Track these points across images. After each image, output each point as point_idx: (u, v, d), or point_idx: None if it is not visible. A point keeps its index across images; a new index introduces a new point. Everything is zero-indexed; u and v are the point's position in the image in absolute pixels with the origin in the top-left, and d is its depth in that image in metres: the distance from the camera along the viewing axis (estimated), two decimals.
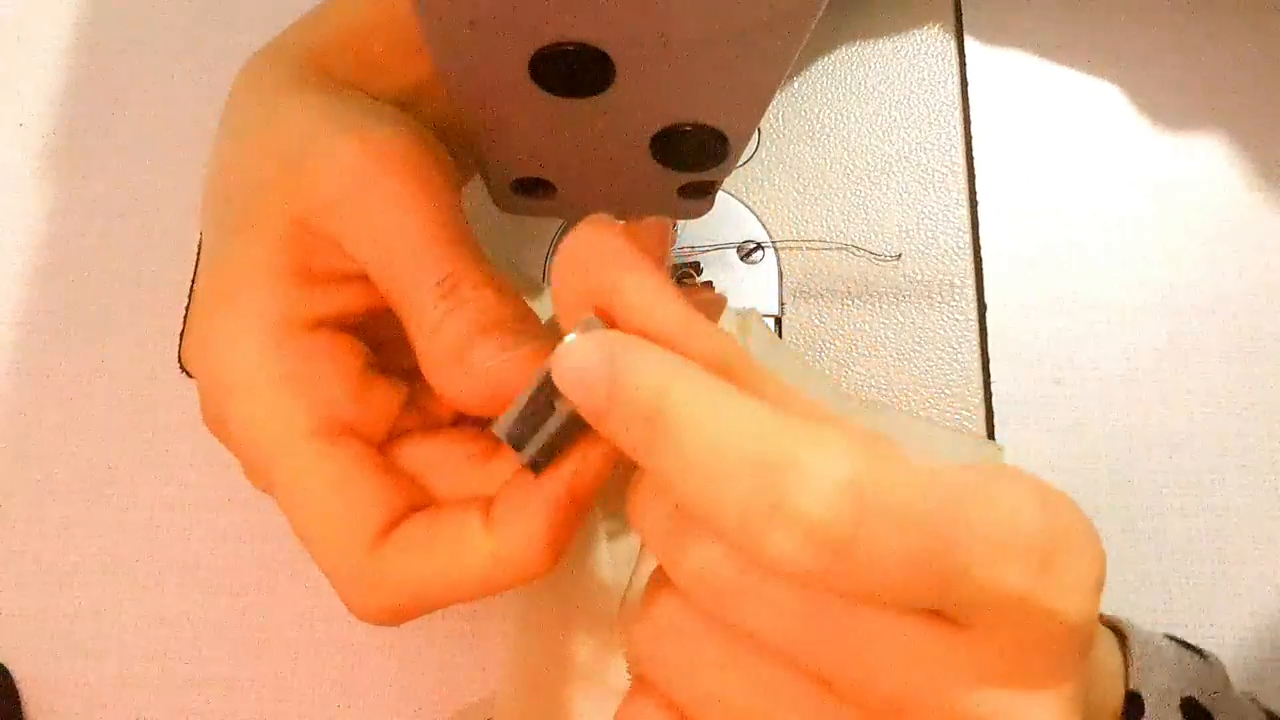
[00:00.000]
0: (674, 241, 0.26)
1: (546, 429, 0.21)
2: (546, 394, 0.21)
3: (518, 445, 0.22)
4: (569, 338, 0.20)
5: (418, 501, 0.25)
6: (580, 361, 0.19)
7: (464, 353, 0.23)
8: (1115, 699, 0.25)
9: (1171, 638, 0.28)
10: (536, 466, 0.22)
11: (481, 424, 0.27)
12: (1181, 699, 0.26)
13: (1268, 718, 0.28)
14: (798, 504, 0.17)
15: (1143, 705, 0.25)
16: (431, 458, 0.25)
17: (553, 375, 0.20)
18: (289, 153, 0.24)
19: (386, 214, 0.23)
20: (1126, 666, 0.26)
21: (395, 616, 0.24)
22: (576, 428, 0.22)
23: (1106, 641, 0.26)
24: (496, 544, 0.23)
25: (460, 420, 0.27)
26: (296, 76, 0.26)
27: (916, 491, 0.17)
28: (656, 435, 0.18)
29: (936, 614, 0.18)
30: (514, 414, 0.21)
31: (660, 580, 0.21)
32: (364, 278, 0.24)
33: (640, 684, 0.22)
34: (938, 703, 0.18)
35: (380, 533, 0.23)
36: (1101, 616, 0.28)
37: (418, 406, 0.26)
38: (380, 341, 0.26)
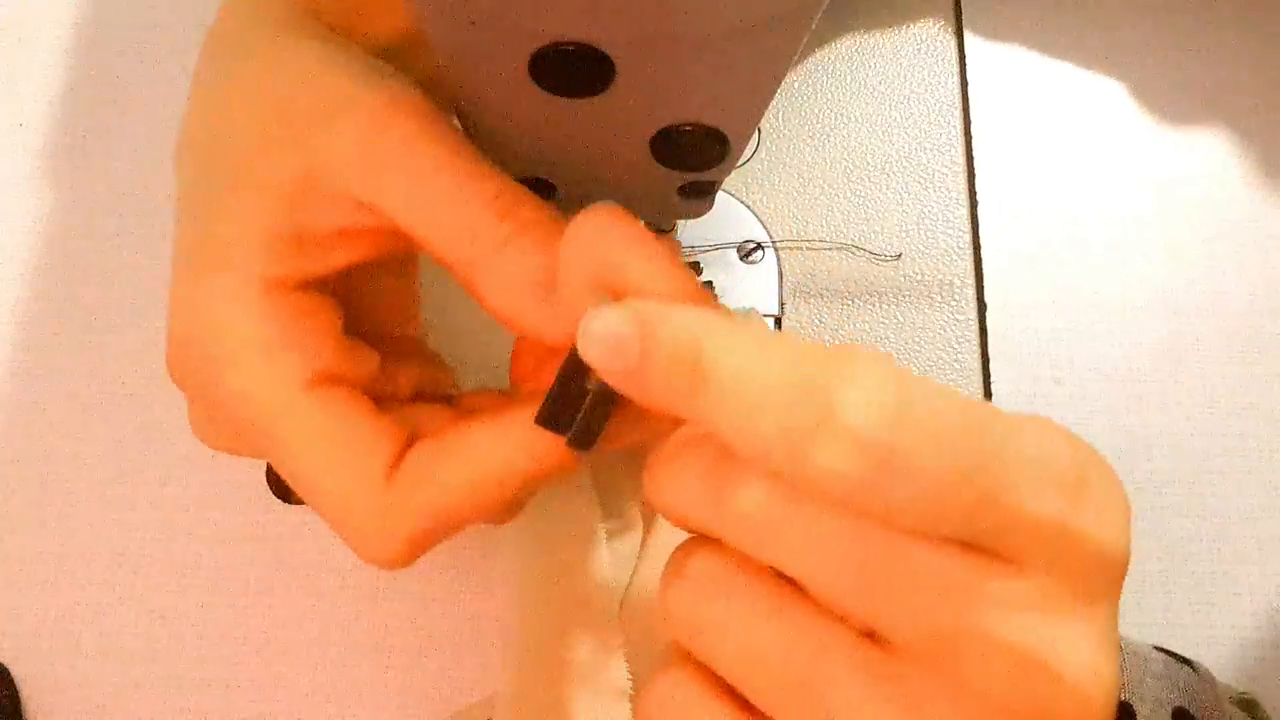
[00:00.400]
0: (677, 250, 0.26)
1: (582, 408, 0.22)
2: (577, 373, 0.22)
3: (558, 429, 0.22)
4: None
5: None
6: (609, 327, 0.20)
7: (546, 283, 0.22)
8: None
9: (1161, 649, 0.28)
10: (580, 445, 0.23)
11: (449, 400, 0.27)
12: (1173, 709, 0.26)
13: None
14: (842, 417, 0.17)
15: (1134, 716, 0.25)
16: (418, 416, 0.25)
17: (579, 348, 0.20)
18: (294, 105, 0.23)
19: (420, 154, 0.22)
20: (1120, 677, 0.26)
21: (415, 547, 0.23)
22: (610, 402, 0.22)
23: None
24: (524, 427, 0.23)
25: (419, 397, 0.27)
26: (286, 21, 0.24)
27: (954, 413, 0.18)
28: (697, 379, 0.19)
29: (973, 548, 0.18)
30: (549, 400, 0.22)
31: (692, 545, 0.22)
32: (351, 238, 0.23)
33: (677, 656, 0.22)
34: (978, 635, 0.18)
35: (392, 464, 0.23)
36: None
37: (385, 376, 0.26)
38: (349, 310, 0.26)
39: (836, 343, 0.39)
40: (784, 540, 0.19)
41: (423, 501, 0.23)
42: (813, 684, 0.19)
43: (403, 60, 0.26)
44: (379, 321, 0.26)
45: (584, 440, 0.22)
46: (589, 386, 0.22)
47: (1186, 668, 0.28)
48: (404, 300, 0.29)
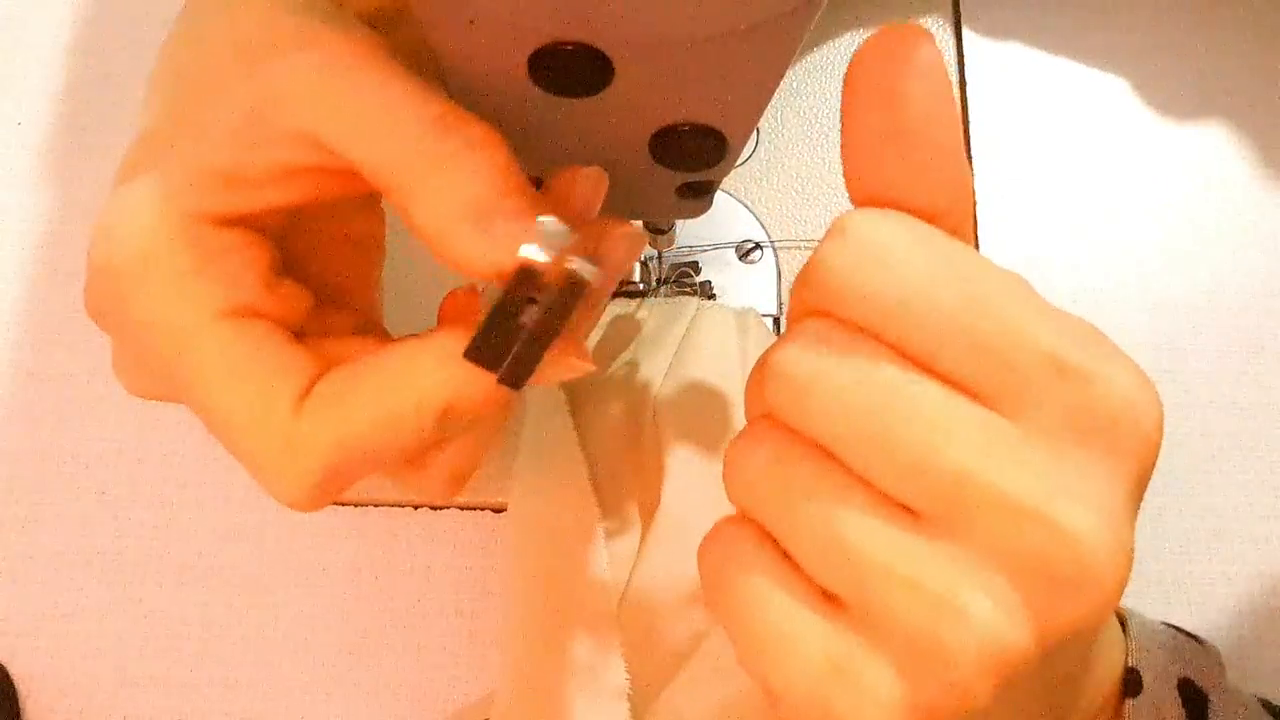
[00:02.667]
0: (603, 194, 0.25)
1: (515, 344, 0.21)
2: (512, 307, 0.20)
3: (488, 365, 0.21)
4: (523, 249, 0.20)
5: None
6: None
7: (486, 214, 0.21)
8: (1115, 671, 0.26)
9: (1169, 625, 0.29)
10: (511, 383, 0.21)
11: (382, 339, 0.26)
12: (1179, 679, 0.26)
13: (1262, 705, 0.28)
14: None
15: (1141, 681, 0.25)
16: (339, 349, 0.24)
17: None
18: (249, 41, 0.22)
19: (366, 77, 0.21)
20: (1128, 645, 0.26)
21: (326, 485, 0.22)
22: (547, 338, 0.21)
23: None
24: (442, 352, 0.22)
25: (358, 332, 0.26)
26: None
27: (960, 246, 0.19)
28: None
29: (980, 395, 0.19)
30: (480, 334, 0.21)
31: (757, 429, 0.21)
32: (288, 177, 0.23)
33: (738, 515, 0.22)
34: (980, 485, 0.18)
35: (303, 393, 0.22)
36: None
37: (320, 320, 0.25)
38: (288, 255, 0.25)
39: None
40: (817, 406, 0.20)
41: (331, 432, 0.21)
42: (845, 531, 0.19)
43: (387, 30, 0.25)
44: (327, 283, 0.25)
45: (515, 378, 0.21)
46: (524, 321, 0.20)
47: (1194, 642, 0.28)
48: (361, 272, 0.28)
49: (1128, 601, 0.36)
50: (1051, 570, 0.18)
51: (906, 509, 0.19)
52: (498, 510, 0.37)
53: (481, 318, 0.21)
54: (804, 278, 0.21)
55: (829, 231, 0.21)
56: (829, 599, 0.20)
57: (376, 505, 0.37)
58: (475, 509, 0.37)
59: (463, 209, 0.21)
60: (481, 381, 0.22)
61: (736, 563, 0.21)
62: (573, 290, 0.20)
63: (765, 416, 0.22)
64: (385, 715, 0.35)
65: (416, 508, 0.37)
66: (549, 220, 0.20)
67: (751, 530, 0.21)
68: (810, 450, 0.20)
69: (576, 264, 0.20)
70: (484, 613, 0.36)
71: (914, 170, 0.20)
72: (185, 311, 0.22)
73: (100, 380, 0.39)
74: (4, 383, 0.40)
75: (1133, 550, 0.18)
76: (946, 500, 0.18)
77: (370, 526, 0.37)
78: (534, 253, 0.20)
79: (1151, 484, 0.40)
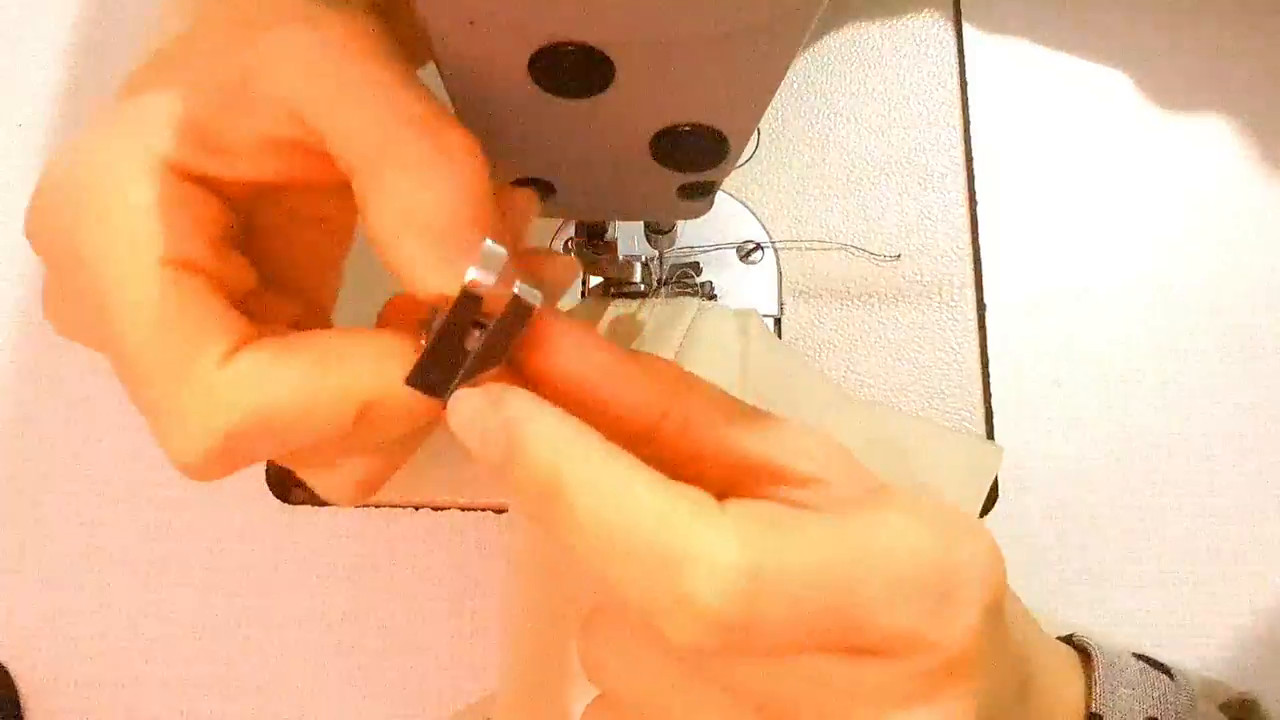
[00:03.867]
0: (536, 213, 0.25)
1: (461, 369, 0.20)
2: (456, 332, 0.20)
3: (431, 392, 0.21)
4: (470, 273, 0.19)
5: None
6: (477, 419, 0.19)
7: (440, 231, 0.20)
8: (1075, 719, 0.26)
9: (1140, 657, 0.28)
10: (445, 398, 0.21)
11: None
12: (1144, 719, 0.26)
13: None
14: (697, 597, 0.18)
15: None
16: (274, 326, 0.23)
17: (450, 420, 0.20)
18: (249, 13, 0.22)
19: (353, 64, 0.21)
20: (1091, 687, 0.26)
21: (229, 450, 0.21)
22: (491, 364, 0.21)
23: (1067, 663, 0.27)
24: (377, 344, 0.21)
25: (299, 324, 0.25)
26: None
27: (816, 560, 0.19)
28: (554, 513, 0.19)
29: (848, 649, 0.20)
30: (423, 360, 0.20)
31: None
32: (264, 150, 0.22)
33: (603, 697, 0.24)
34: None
35: (229, 353, 0.21)
36: (1070, 637, 0.28)
37: (260, 303, 0.24)
38: (252, 225, 0.24)
39: (836, 344, 0.39)
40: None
41: (251, 394, 0.21)
42: None
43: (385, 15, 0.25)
44: (283, 267, 0.25)
45: (447, 395, 0.21)
46: (468, 348, 0.20)
47: (1164, 676, 0.28)
48: (321, 262, 0.27)
49: (1129, 603, 0.37)
50: None
51: (757, 708, 0.21)
52: (498, 511, 0.37)
53: (422, 341, 0.20)
54: None
55: None
56: None
57: (377, 506, 0.37)
58: (475, 509, 0.37)
59: (418, 218, 0.20)
60: (405, 386, 0.21)
61: None
62: (519, 316, 0.20)
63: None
64: (385, 715, 0.35)
65: (417, 508, 0.37)
66: (489, 243, 0.20)
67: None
68: (647, 644, 0.22)
69: (522, 289, 0.20)
70: (484, 613, 0.36)
71: None
72: (129, 247, 0.21)
73: (100, 380, 0.39)
74: (4, 383, 0.40)
75: None
76: (786, 699, 0.21)
77: (370, 526, 0.37)
78: (481, 276, 0.19)
79: (1151, 485, 0.40)
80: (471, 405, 0.20)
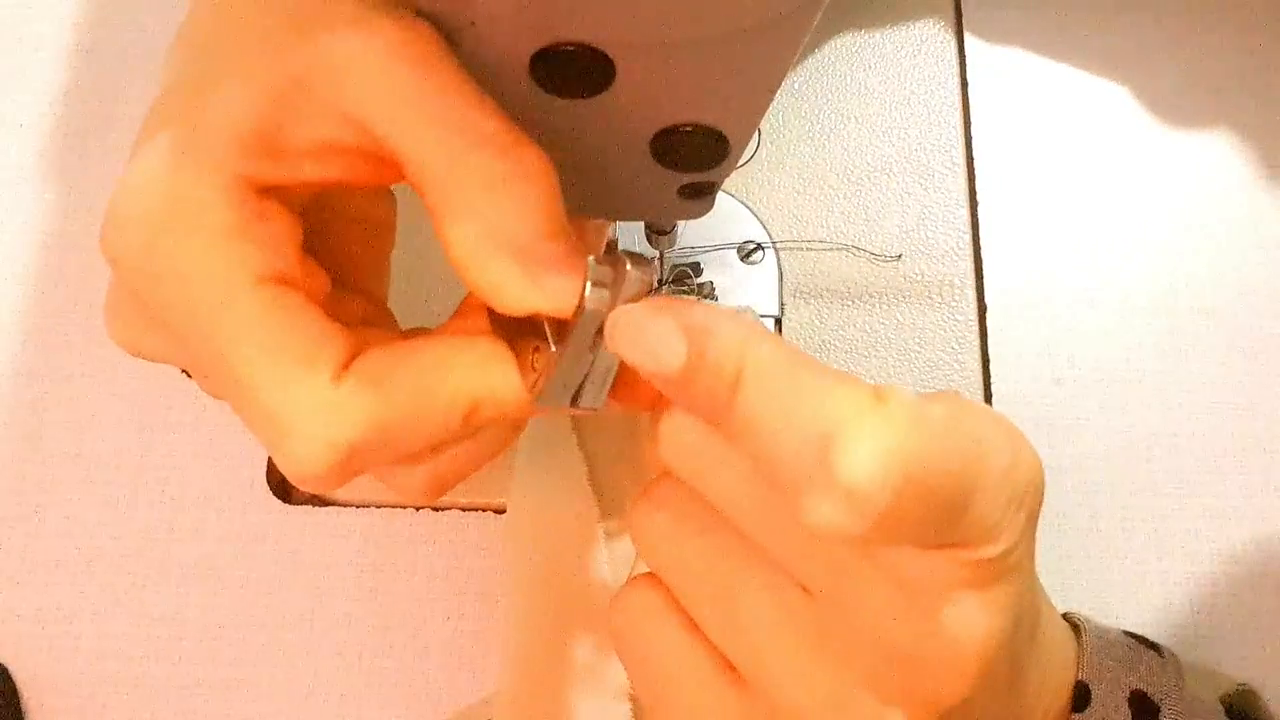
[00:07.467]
0: (610, 236, 0.26)
1: (587, 380, 0.22)
2: (583, 347, 0.21)
3: (560, 403, 0.22)
4: (589, 293, 0.21)
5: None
6: (655, 334, 0.20)
7: (528, 251, 0.21)
8: (1066, 687, 0.26)
9: (1129, 634, 0.29)
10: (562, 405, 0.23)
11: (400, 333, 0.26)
12: (1130, 691, 0.26)
13: (1228, 716, 0.28)
14: (843, 475, 0.18)
15: (1090, 694, 0.26)
16: (369, 334, 0.24)
17: (619, 347, 0.21)
18: (304, 12, 0.22)
19: (424, 76, 0.20)
20: (1080, 658, 0.27)
21: (349, 461, 0.22)
22: (612, 375, 0.22)
23: (1061, 633, 0.27)
24: (482, 348, 0.22)
25: (367, 321, 0.26)
26: None
27: (946, 453, 0.19)
28: (736, 398, 0.20)
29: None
30: (558, 381, 0.22)
31: (658, 491, 0.24)
32: (327, 154, 0.22)
33: (648, 576, 0.24)
34: (875, 587, 0.21)
35: (342, 366, 0.22)
36: (1064, 615, 0.29)
37: (334, 305, 0.25)
38: (305, 234, 0.24)
39: (836, 344, 0.39)
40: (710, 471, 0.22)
41: (368, 407, 0.21)
42: (742, 608, 0.22)
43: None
44: (341, 265, 0.25)
45: (574, 403, 0.23)
46: (594, 359, 0.22)
47: (1151, 652, 0.28)
48: (373, 257, 0.28)
49: (1129, 602, 0.37)
50: (923, 664, 0.21)
51: (802, 586, 0.22)
52: (498, 511, 0.37)
53: (546, 364, 0.22)
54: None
55: None
56: (733, 671, 0.22)
57: (377, 506, 0.37)
58: (475, 510, 0.37)
59: (505, 240, 0.21)
60: (514, 387, 0.22)
61: (643, 629, 0.24)
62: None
63: (666, 475, 0.23)
64: (385, 715, 0.35)
65: (417, 509, 0.37)
66: (592, 262, 0.21)
67: (659, 595, 0.24)
68: (709, 517, 0.23)
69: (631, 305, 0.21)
70: (485, 614, 0.36)
71: None
72: (227, 268, 0.21)
73: (100, 380, 0.39)
74: (4, 383, 0.40)
75: (1002, 637, 0.21)
76: (835, 578, 0.21)
77: (370, 527, 0.37)
78: (598, 298, 0.21)
79: (1152, 484, 0.40)
80: (636, 319, 0.20)
